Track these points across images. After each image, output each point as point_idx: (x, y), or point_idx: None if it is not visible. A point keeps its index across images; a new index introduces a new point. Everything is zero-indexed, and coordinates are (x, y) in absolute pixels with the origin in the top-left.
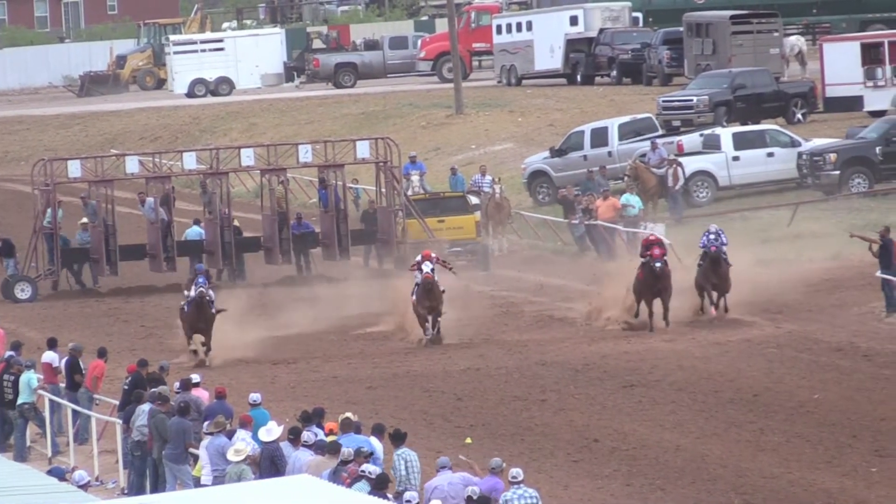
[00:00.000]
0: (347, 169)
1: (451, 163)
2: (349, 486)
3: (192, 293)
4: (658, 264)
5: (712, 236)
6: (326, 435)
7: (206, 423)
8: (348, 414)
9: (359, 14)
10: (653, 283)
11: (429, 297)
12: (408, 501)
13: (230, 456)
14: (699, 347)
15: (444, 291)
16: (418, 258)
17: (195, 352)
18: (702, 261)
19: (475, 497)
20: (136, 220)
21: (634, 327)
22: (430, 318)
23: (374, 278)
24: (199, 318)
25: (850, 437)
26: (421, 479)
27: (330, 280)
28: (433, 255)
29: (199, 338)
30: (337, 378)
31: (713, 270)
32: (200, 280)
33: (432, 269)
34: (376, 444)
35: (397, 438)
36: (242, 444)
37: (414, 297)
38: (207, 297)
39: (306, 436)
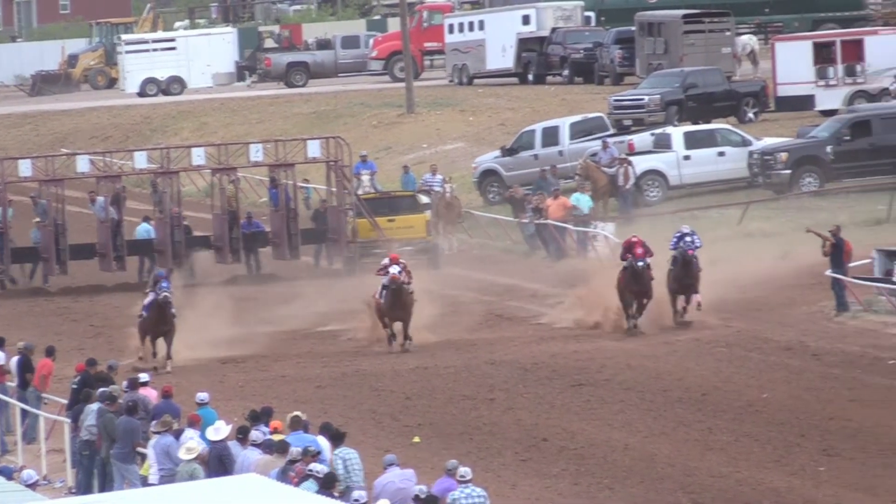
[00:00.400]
0: (298, 168)
1: (403, 162)
2: (297, 485)
3: (150, 297)
4: (640, 263)
5: (688, 239)
6: (271, 433)
7: (153, 423)
8: (297, 413)
9: (311, 13)
10: (634, 284)
11: (396, 303)
12: (356, 500)
13: (182, 454)
14: (648, 346)
15: (412, 293)
16: (385, 261)
17: (144, 357)
18: (672, 264)
19: (422, 496)
20: (86, 220)
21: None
22: (395, 325)
23: (327, 277)
24: (160, 321)
25: (798, 437)
26: (366, 477)
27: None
28: (401, 259)
29: (160, 344)
30: (286, 377)
31: (685, 273)
32: (164, 284)
33: (400, 272)
34: (324, 444)
35: (336, 438)
36: (194, 443)
37: (381, 299)
38: (169, 301)
39: (255, 435)
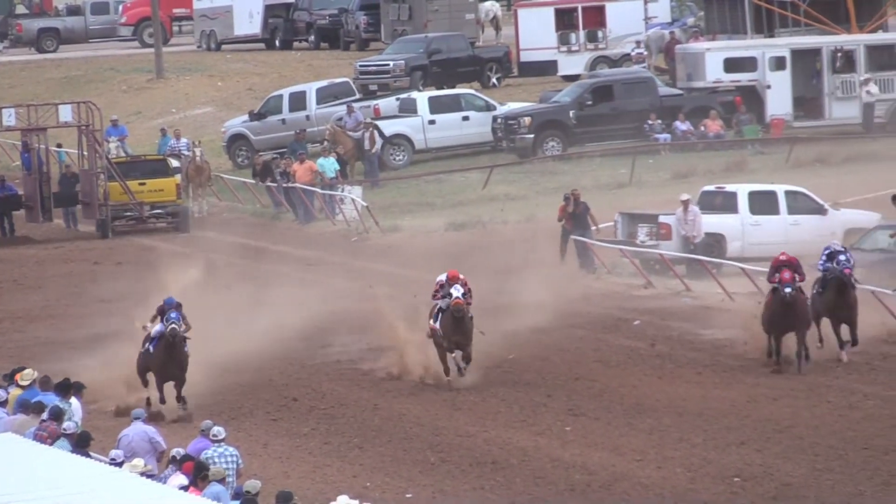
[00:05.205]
0: (51, 132)
1: (153, 126)
2: (50, 444)
3: (158, 328)
4: (788, 289)
5: (842, 258)
6: (15, 385)
7: None
8: (42, 374)
9: None
10: (782, 312)
11: (456, 330)
12: (113, 459)
13: None
14: (397, 309)
15: (472, 318)
16: (442, 277)
17: (149, 401)
18: (821, 286)
19: (178, 457)
20: None
21: (768, 365)
22: (455, 353)
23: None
24: (170, 361)
25: (544, 397)
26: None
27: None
28: (461, 276)
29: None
30: (39, 339)
31: (839, 300)
32: (174, 315)
33: (464, 294)
34: (75, 403)
35: (61, 389)
36: None
37: (437, 324)
38: (181, 336)
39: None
